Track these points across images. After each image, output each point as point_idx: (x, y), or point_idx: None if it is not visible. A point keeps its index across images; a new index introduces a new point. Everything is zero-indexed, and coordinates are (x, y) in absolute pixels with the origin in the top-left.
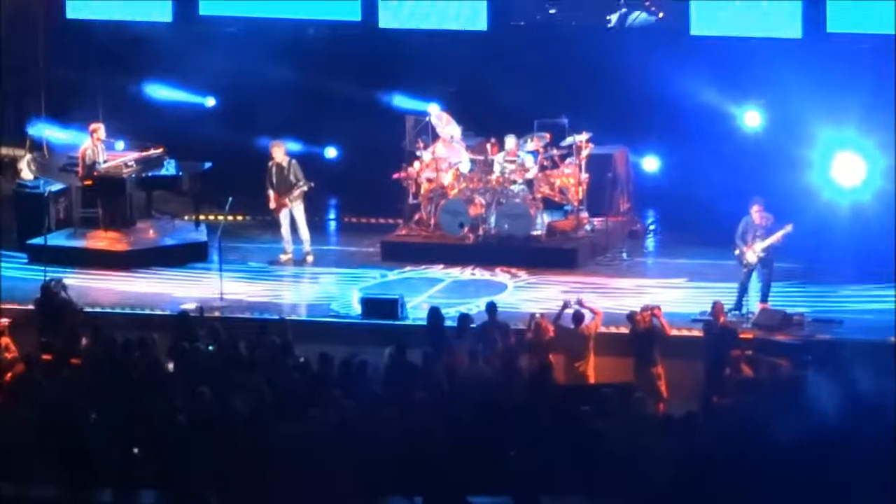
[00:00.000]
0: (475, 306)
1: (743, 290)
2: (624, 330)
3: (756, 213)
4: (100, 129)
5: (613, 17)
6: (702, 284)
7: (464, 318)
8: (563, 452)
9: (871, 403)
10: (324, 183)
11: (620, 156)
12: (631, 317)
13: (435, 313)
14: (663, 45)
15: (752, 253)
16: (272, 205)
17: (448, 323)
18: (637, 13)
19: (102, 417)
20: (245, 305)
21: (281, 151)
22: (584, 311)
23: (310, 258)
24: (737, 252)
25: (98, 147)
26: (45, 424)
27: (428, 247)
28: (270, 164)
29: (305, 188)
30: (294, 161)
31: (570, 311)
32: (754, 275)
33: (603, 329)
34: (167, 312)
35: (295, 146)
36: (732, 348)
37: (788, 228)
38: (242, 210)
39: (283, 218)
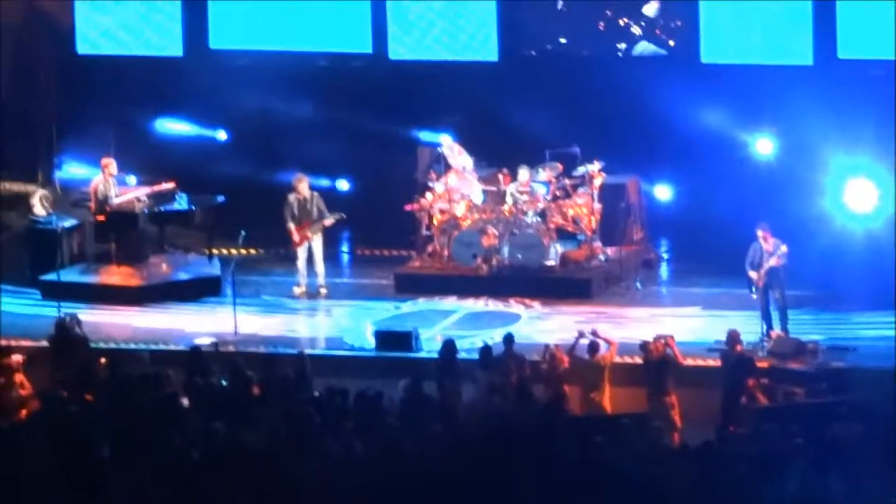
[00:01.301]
0: (489, 338)
1: (765, 318)
2: (639, 360)
3: (763, 239)
4: (111, 164)
5: (623, 47)
6: (716, 313)
7: (486, 350)
8: (580, 484)
9: (885, 430)
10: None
11: (633, 185)
12: (644, 346)
13: (449, 346)
14: (674, 73)
15: (759, 278)
16: (295, 238)
17: (461, 355)
18: (647, 42)
19: (116, 453)
20: (259, 339)
21: (305, 185)
22: (599, 341)
23: (324, 291)
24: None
25: (110, 182)
26: (60, 460)
27: (441, 278)
28: (292, 197)
29: (331, 221)
30: (316, 194)
31: (584, 341)
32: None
33: (618, 359)
34: (181, 347)
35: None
36: (749, 377)
37: (783, 249)
38: (256, 243)
39: (302, 251)
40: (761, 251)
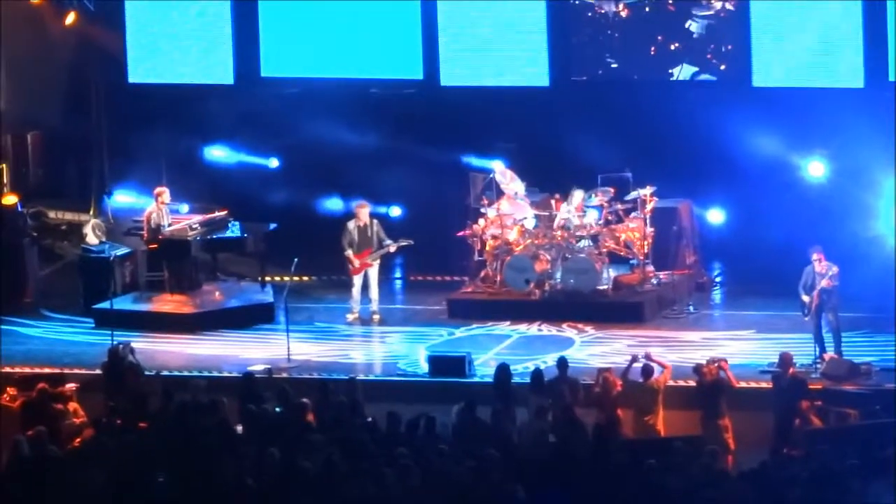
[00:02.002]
0: (542, 362)
1: (818, 340)
2: (693, 383)
3: (816, 262)
4: (164, 192)
5: (675, 71)
6: (769, 336)
7: (537, 374)
8: None
9: None
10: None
11: (685, 208)
12: (697, 369)
13: (503, 370)
14: (725, 96)
15: (812, 301)
16: (354, 265)
17: (515, 379)
18: (699, 66)
19: (171, 480)
20: (312, 366)
21: (366, 212)
22: (653, 364)
23: (377, 317)
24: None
25: (162, 210)
26: (114, 488)
27: (494, 303)
28: (351, 224)
29: (395, 248)
30: (376, 221)
31: (638, 365)
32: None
33: (671, 382)
34: (234, 375)
35: None
36: (802, 399)
37: (834, 270)
38: (308, 270)
39: (358, 278)
40: (814, 274)
